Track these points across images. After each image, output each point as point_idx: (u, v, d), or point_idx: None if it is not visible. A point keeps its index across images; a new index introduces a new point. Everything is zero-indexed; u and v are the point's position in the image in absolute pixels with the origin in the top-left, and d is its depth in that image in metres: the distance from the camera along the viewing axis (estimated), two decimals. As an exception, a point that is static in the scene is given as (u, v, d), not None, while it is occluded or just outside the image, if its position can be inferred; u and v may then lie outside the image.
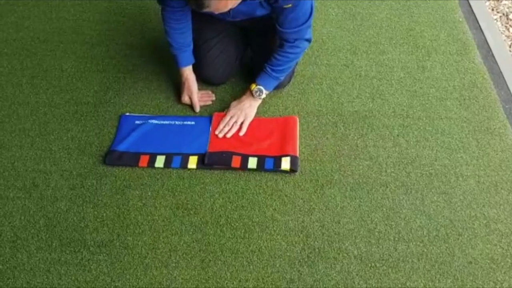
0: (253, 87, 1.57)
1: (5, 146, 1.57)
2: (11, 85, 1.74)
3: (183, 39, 1.54)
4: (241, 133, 1.56)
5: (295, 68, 1.71)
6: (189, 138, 1.54)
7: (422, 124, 1.60)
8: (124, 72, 1.77)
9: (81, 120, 1.63)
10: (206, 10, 1.17)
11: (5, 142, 1.58)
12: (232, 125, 1.56)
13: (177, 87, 1.70)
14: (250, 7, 1.38)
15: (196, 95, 1.63)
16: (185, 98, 1.65)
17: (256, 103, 1.61)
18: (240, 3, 1.31)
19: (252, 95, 1.58)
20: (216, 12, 1.23)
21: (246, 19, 1.46)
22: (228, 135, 1.55)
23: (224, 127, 1.56)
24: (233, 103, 1.61)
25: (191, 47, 1.58)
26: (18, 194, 1.46)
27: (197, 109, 1.64)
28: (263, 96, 1.58)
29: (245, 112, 1.58)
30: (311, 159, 1.52)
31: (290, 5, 1.32)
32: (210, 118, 1.61)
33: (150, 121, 1.60)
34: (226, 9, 1.22)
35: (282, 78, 1.58)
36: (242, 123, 1.57)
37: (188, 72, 1.61)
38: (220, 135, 1.55)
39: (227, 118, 1.58)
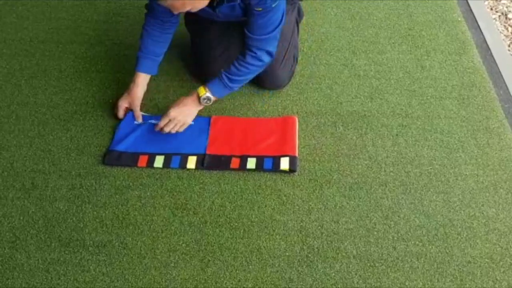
0: (202, 93, 1.48)
1: (4, 147, 1.57)
2: (10, 86, 1.74)
3: (154, 47, 1.53)
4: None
5: (295, 68, 1.71)
6: (188, 138, 1.54)
7: (421, 124, 1.60)
8: (123, 72, 1.77)
9: (80, 120, 1.63)
10: (161, 3, 1.18)
11: (4, 142, 1.58)
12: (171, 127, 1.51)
13: (177, 86, 1.70)
14: (231, 9, 1.37)
15: (139, 103, 1.58)
16: (123, 104, 1.57)
17: (199, 109, 1.53)
18: (220, 7, 1.33)
19: (198, 100, 1.49)
20: (176, 12, 1.24)
21: (243, 20, 1.45)
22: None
23: (163, 128, 1.50)
24: (176, 104, 1.51)
25: (159, 58, 1.57)
26: (17, 194, 1.46)
27: (121, 115, 1.58)
28: (210, 104, 1.51)
29: (185, 119, 1.51)
30: (310, 159, 1.52)
31: (260, 9, 1.30)
32: (209, 118, 1.61)
33: (149, 121, 1.60)
34: (182, 9, 1.22)
35: (235, 89, 1.52)
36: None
37: (142, 79, 1.56)
38: (157, 129, 1.52)
39: (166, 120, 1.49)
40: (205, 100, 1.49)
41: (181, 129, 1.52)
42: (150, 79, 1.74)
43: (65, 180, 1.48)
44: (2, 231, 1.38)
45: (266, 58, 1.46)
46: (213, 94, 1.49)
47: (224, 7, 1.36)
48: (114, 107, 1.62)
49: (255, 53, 1.42)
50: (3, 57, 1.84)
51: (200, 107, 1.53)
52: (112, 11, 2.01)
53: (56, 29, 1.94)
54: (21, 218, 1.41)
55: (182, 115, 1.50)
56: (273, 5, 1.30)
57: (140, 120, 1.59)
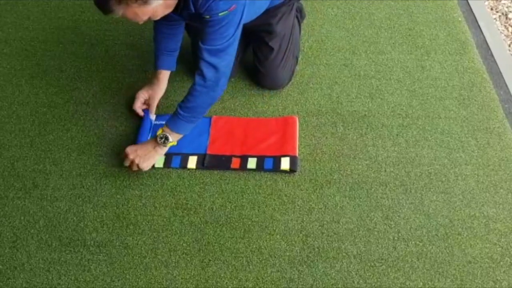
0: (160, 131, 1.40)
1: (4, 146, 1.57)
2: (10, 85, 1.74)
3: (167, 43, 1.53)
4: (142, 169, 1.42)
5: (295, 68, 1.71)
6: (189, 137, 1.54)
7: (421, 124, 1.61)
8: (124, 72, 1.77)
9: (81, 120, 1.63)
10: (112, 15, 1.14)
11: (4, 142, 1.58)
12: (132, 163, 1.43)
13: (177, 86, 1.70)
14: (190, 16, 1.33)
15: (159, 98, 1.58)
16: (142, 95, 1.57)
17: (159, 149, 1.42)
18: (183, 13, 1.29)
19: (156, 140, 1.40)
20: (139, 21, 1.19)
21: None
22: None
23: (125, 161, 1.44)
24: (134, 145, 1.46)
25: (175, 53, 1.57)
26: (18, 194, 1.46)
27: (138, 106, 1.57)
28: (169, 143, 1.40)
29: (139, 160, 1.40)
30: (311, 159, 1.52)
31: (208, 17, 1.23)
32: (209, 118, 1.61)
33: (149, 120, 1.60)
34: (138, 19, 1.18)
35: (192, 120, 1.39)
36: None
37: (163, 75, 1.57)
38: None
39: (131, 156, 1.41)
40: (163, 139, 1.39)
41: (142, 166, 1.41)
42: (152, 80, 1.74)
43: (65, 180, 1.48)
44: (3, 230, 1.38)
45: (209, 72, 1.30)
46: (171, 129, 1.39)
47: (184, 14, 1.32)
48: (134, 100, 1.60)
49: (200, 69, 1.30)
50: (4, 57, 1.84)
51: (159, 148, 1.41)
52: (112, 11, 2.00)
53: (56, 29, 1.94)
54: (22, 218, 1.41)
55: (142, 151, 1.42)
56: (219, 14, 1.22)
57: (152, 116, 1.59)
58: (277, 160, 1.49)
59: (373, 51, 1.84)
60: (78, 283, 1.28)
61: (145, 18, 1.19)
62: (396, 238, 1.35)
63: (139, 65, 1.79)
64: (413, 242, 1.34)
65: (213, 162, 1.49)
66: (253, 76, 1.71)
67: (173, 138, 1.41)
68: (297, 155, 1.51)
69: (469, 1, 2.06)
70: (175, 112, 1.38)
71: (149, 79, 1.62)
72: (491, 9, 2.11)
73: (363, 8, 2.00)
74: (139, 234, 1.37)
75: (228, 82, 1.69)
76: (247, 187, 1.46)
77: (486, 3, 2.13)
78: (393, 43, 1.87)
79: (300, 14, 1.76)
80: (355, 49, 1.85)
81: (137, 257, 1.33)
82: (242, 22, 1.30)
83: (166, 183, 1.47)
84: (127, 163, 1.44)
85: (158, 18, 1.24)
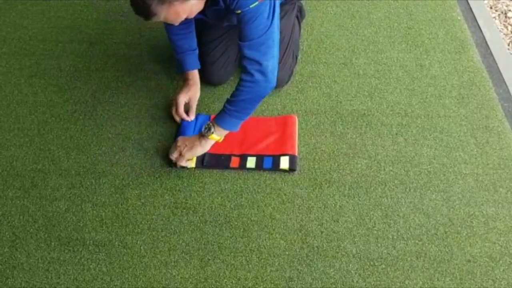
0: (207, 124, 1.42)
1: (3, 146, 1.57)
2: (9, 85, 1.74)
3: (187, 44, 1.53)
4: (182, 163, 1.45)
5: (294, 67, 1.71)
6: (188, 136, 1.54)
7: (420, 123, 1.60)
8: (123, 71, 1.77)
9: (80, 119, 1.63)
10: (154, 19, 1.13)
11: (3, 141, 1.58)
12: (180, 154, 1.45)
13: (177, 86, 1.70)
14: (216, 13, 1.34)
15: (197, 98, 1.59)
16: (183, 99, 1.55)
17: (204, 142, 1.43)
18: (208, 10, 1.29)
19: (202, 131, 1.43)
20: (176, 23, 1.20)
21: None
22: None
23: (172, 152, 1.46)
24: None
25: (196, 51, 1.57)
26: (17, 193, 1.46)
27: (181, 109, 1.56)
28: (211, 135, 1.40)
29: (188, 147, 1.44)
30: (310, 158, 1.52)
31: (239, 12, 1.23)
32: (209, 117, 1.61)
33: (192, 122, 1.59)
34: (179, 19, 1.18)
35: (238, 116, 1.38)
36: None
37: (194, 75, 1.58)
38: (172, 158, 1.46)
39: (179, 143, 1.45)
40: (206, 130, 1.41)
41: (186, 155, 1.44)
42: (151, 78, 1.74)
43: (64, 179, 1.48)
44: (2, 230, 1.38)
45: (254, 68, 1.29)
46: (216, 122, 1.39)
47: (209, 11, 1.33)
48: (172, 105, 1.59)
49: (244, 66, 1.30)
50: (3, 56, 1.84)
51: (203, 140, 1.43)
52: (111, 10, 2.00)
53: (55, 28, 1.94)
54: (21, 217, 1.41)
55: (185, 145, 1.44)
56: (250, 6, 1.21)
57: (193, 117, 1.59)
58: (276, 159, 1.49)
59: (372, 50, 1.83)
60: (77, 282, 1.28)
61: (184, 16, 1.19)
62: (395, 237, 1.35)
63: (138, 64, 1.79)
64: (412, 241, 1.34)
65: (212, 161, 1.49)
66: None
67: (217, 132, 1.41)
68: (296, 154, 1.51)
69: (469, 0, 2.06)
70: (223, 108, 1.39)
71: (183, 83, 1.60)
72: (491, 7, 2.11)
73: (363, 7, 2.00)
74: (138, 233, 1.37)
75: (228, 82, 1.71)
76: (246, 186, 1.46)
77: (486, 1, 2.13)
78: (393, 42, 1.87)
79: (300, 14, 1.76)
80: (354, 48, 1.84)
81: (136, 257, 1.33)
82: (277, 11, 1.27)
83: (165, 182, 1.47)
84: (175, 154, 1.45)
85: (193, 16, 1.23)
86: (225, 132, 1.42)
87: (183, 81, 1.60)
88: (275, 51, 1.30)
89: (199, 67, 1.60)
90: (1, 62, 1.82)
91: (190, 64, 1.57)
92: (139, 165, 1.51)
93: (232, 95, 1.36)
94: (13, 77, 1.77)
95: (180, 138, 1.47)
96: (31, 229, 1.38)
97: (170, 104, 1.65)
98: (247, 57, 1.28)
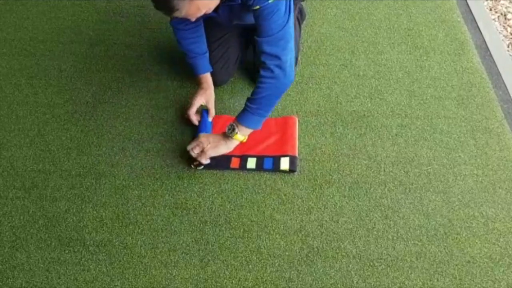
0: (230, 124, 1.43)
1: (4, 146, 1.57)
2: (10, 85, 1.74)
3: (198, 48, 1.54)
4: (203, 160, 1.45)
5: (295, 69, 1.71)
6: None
7: (420, 124, 1.61)
8: (123, 72, 1.77)
9: (80, 120, 1.63)
10: (176, 14, 1.13)
11: (4, 142, 1.58)
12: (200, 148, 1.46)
13: (177, 86, 1.70)
14: (229, 9, 1.34)
15: (213, 104, 1.58)
16: (199, 101, 1.54)
17: (229, 142, 1.45)
18: (221, 7, 1.30)
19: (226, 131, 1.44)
20: (193, 19, 1.20)
21: (248, 24, 1.44)
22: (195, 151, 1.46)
23: (194, 148, 1.46)
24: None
25: (207, 54, 1.57)
26: (17, 194, 1.46)
27: (193, 111, 1.55)
28: (235, 135, 1.42)
29: (212, 145, 1.45)
30: (310, 159, 1.52)
31: (257, 7, 1.24)
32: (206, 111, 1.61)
33: (209, 121, 1.59)
34: (198, 14, 1.18)
35: (259, 113, 1.40)
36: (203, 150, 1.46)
37: (208, 78, 1.58)
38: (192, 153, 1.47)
39: (203, 139, 1.46)
40: (229, 130, 1.42)
41: (209, 152, 1.45)
42: (151, 79, 1.74)
43: (65, 179, 1.48)
44: (2, 230, 1.38)
45: (273, 64, 1.30)
46: (239, 121, 1.41)
47: (223, 8, 1.34)
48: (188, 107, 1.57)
49: (263, 62, 1.31)
50: (3, 57, 1.84)
51: (229, 139, 1.45)
52: (112, 11, 2.01)
53: (56, 29, 1.94)
54: (21, 217, 1.41)
55: (209, 142, 1.45)
56: (269, 1, 1.23)
57: (211, 117, 1.59)
58: (276, 160, 1.49)
59: (372, 51, 1.84)
60: (78, 283, 1.28)
61: (204, 11, 1.19)
62: (395, 237, 1.35)
63: (138, 65, 1.79)
64: (412, 242, 1.34)
65: (213, 162, 1.49)
66: (253, 76, 1.71)
67: (241, 132, 1.43)
68: (296, 155, 1.51)
69: (468, 2, 2.07)
70: (245, 106, 1.40)
71: (197, 86, 1.60)
72: (490, 9, 2.11)
73: (363, 8, 2.01)
74: (138, 233, 1.37)
75: (228, 82, 1.72)
76: (246, 187, 1.46)
77: (485, 3, 2.13)
78: (392, 43, 1.87)
79: (300, 15, 1.76)
80: (354, 49, 1.85)
81: (136, 257, 1.33)
82: (292, 6, 1.29)
83: (166, 183, 1.47)
84: (196, 150, 1.45)
85: (211, 11, 1.23)
86: (249, 131, 1.44)
87: (197, 85, 1.60)
88: (292, 46, 1.33)
89: (212, 70, 1.60)
90: (2, 63, 1.82)
91: (203, 68, 1.58)
92: (139, 165, 1.51)
93: (253, 93, 1.37)
94: (14, 78, 1.77)
95: (202, 135, 1.47)
96: (32, 229, 1.38)
97: (170, 104, 1.66)
98: (266, 53, 1.30)
